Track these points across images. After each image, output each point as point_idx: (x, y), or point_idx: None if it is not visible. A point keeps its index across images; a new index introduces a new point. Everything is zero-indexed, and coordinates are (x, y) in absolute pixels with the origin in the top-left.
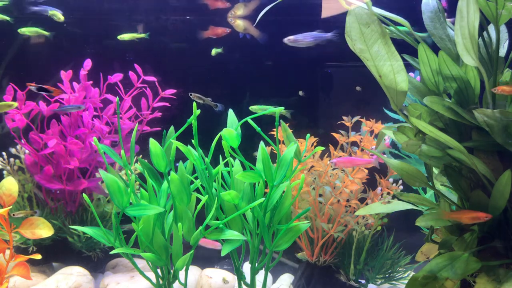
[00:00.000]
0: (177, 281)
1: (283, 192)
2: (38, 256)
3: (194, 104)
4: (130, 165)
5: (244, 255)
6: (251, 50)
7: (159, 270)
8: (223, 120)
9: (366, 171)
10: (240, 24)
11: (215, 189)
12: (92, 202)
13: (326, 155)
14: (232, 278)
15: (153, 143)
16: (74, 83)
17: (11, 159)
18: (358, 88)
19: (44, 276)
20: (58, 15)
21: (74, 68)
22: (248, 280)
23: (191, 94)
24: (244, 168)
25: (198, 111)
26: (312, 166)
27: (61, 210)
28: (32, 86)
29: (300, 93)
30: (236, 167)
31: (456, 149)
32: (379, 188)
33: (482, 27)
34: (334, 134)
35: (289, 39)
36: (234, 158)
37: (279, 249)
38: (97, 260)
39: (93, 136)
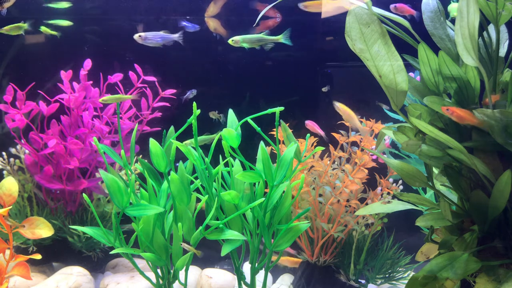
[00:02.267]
0: (177, 281)
1: (283, 192)
2: (38, 256)
3: (194, 104)
4: (130, 165)
5: (244, 255)
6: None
7: (159, 270)
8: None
9: (366, 171)
10: (210, 24)
11: (215, 189)
12: (92, 202)
13: (326, 155)
14: (232, 278)
15: (153, 143)
16: (74, 83)
17: (11, 159)
18: (324, 89)
19: (44, 276)
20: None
21: (74, 68)
22: (248, 280)
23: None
24: (244, 168)
25: (198, 111)
26: (312, 166)
27: (61, 210)
28: None
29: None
30: (236, 167)
31: (456, 149)
32: (379, 188)
33: (482, 27)
34: (334, 134)
35: (140, 36)
36: (234, 158)
37: (279, 249)
38: (97, 260)
39: (93, 136)
